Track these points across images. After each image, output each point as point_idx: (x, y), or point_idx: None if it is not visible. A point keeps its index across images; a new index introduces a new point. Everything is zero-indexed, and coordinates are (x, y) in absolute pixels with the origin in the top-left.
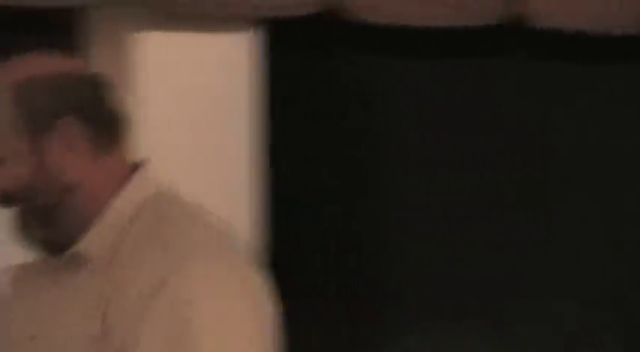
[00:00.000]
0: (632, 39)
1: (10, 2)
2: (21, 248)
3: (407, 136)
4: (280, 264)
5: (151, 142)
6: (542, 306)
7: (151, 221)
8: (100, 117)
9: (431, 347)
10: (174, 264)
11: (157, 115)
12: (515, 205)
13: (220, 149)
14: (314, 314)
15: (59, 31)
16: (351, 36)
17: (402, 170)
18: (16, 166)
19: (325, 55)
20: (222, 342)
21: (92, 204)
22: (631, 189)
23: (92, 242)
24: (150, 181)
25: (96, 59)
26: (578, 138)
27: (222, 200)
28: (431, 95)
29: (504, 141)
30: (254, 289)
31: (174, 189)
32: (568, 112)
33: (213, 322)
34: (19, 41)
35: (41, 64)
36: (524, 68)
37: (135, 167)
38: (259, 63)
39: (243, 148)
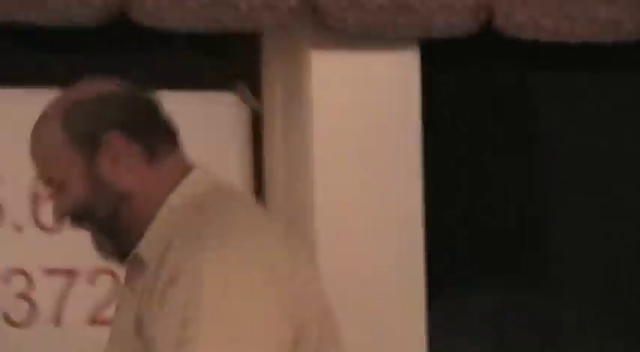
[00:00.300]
0: None
1: (190, 29)
2: None
3: (560, 146)
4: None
5: (324, 150)
6: None
7: (193, 214)
8: (145, 128)
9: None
10: (192, 252)
11: (327, 128)
12: None
13: (385, 160)
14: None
15: (237, 53)
16: (504, 52)
17: (557, 179)
18: (74, 187)
19: (480, 71)
20: (219, 331)
21: (148, 209)
22: None
23: (148, 242)
24: (202, 180)
25: (273, 78)
26: None
27: (385, 201)
28: (580, 105)
29: None
30: (268, 285)
31: (232, 188)
32: None
33: (214, 310)
34: (199, 64)
35: (80, 91)
36: None
37: (190, 169)
38: (419, 79)
39: (405, 157)
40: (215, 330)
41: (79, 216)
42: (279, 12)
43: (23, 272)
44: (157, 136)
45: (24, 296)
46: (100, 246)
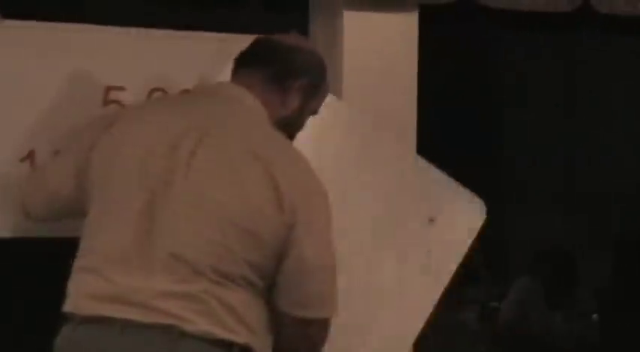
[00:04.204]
0: None
1: None
2: None
3: None
4: None
5: (352, 83)
6: None
7: None
8: None
9: None
10: None
11: (355, 58)
12: None
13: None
14: None
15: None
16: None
17: None
18: None
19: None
20: None
21: None
22: None
23: None
24: None
25: (317, 30)
26: None
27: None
28: None
29: None
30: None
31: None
32: None
33: None
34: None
35: None
36: None
37: None
38: (417, 35)
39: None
40: None
41: None
42: None
43: None
44: None
45: None
46: None
